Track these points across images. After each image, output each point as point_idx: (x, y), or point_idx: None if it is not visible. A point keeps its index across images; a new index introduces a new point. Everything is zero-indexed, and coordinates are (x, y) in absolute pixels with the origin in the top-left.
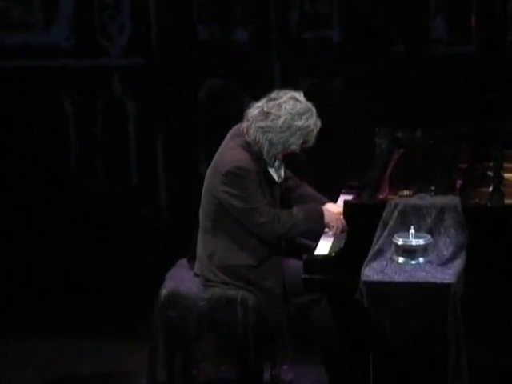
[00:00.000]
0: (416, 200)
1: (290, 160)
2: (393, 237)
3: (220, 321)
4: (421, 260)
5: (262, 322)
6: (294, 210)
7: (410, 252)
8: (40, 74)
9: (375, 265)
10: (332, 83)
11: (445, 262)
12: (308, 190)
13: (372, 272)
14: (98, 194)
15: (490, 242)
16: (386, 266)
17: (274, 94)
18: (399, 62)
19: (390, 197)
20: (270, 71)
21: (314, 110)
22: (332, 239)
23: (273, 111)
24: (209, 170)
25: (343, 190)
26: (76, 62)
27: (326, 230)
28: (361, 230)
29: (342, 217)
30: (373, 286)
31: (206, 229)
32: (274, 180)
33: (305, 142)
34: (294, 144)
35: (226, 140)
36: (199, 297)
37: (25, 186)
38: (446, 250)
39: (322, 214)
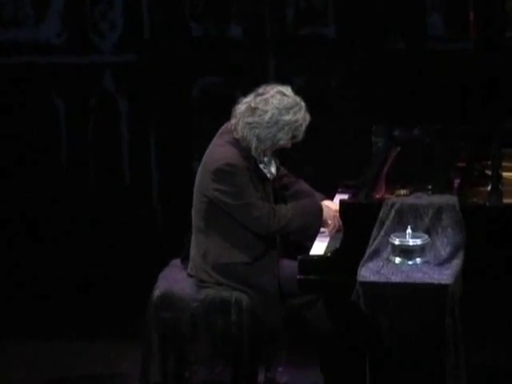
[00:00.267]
0: (413, 199)
1: (285, 159)
2: (389, 237)
3: (214, 322)
4: (418, 260)
5: (257, 323)
6: (290, 204)
7: (406, 252)
8: (31, 71)
9: (372, 265)
10: (328, 81)
11: (442, 263)
12: (304, 186)
13: (368, 272)
14: (89, 193)
15: (488, 241)
16: (383, 266)
17: (261, 89)
18: (396, 59)
19: (386, 196)
20: (265, 69)
21: (302, 104)
22: (327, 239)
23: (260, 106)
24: (199, 169)
25: (339, 189)
26: (67, 58)
27: (322, 229)
28: (357, 230)
29: (338, 215)
30: (369, 286)
31: (199, 228)
32: (266, 176)
33: (294, 137)
34: (283, 139)
35: (215, 137)
36: (193, 298)
37: (14, 185)
38: (444, 250)
39: (320, 209)
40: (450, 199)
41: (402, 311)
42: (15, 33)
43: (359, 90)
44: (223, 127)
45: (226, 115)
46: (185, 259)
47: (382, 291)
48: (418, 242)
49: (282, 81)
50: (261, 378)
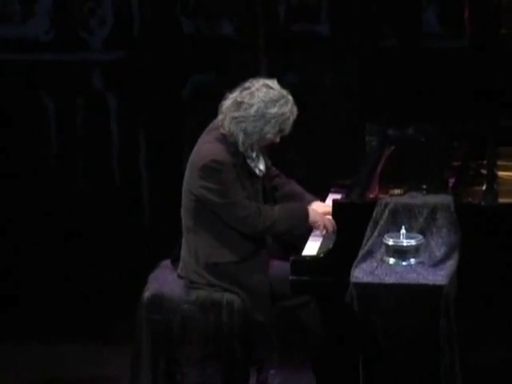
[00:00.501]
0: (407, 199)
1: (277, 159)
2: (383, 237)
3: (205, 324)
4: (412, 261)
5: (248, 325)
6: (278, 206)
7: (400, 253)
8: (18, 69)
9: (365, 266)
10: (321, 79)
11: (437, 263)
12: (295, 187)
13: (362, 273)
14: (78, 193)
15: (483, 242)
16: (377, 267)
17: (247, 84)
18: (390, 57)
19: (380, 196)
20: (257, 66)
21: (289, 97)
22: (320, 239)
23: (245, 100)
24: (187, 167)
25: (332, 189)
26: (55, 56)
27: (315, 231)
28: (350, 230)
29: (330, 216)
30: (363, 287)
31: (188, 228)
32: (254, 173)
33: (281, 131)
34: (270, 133)
35: (202, 135)
36: (183, 299)
37: (1, 184)
38: (439, 250)
39: (306, 213)
40: (445, 199)
41: (396, 312)
42: (2, 30)
43: (353, 88)
44: (210, 124)
45: (218, 113)
46: (175, 260)
47: (376, 292)
48: (413, 242)
49: (276, 80)
50: (252, 380)
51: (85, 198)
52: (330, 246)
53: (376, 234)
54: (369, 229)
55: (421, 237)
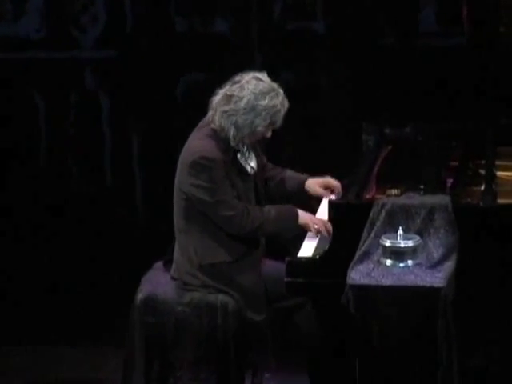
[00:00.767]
0: (404, 199)
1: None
2: (380, 238)
3: (199, 326)
4: (409, 262)
5: (243, 327)
6: (267, 207)
7: (398, 254)
8: (9, 67)
9: (362, 268)
10: (317, 77)
11: (435, 265)
12: (288, 173)
13: (358, 275)
14: (70, 193)
15: (481, 243)
16: (373, 268)
17: (237, 77)
18: (387, 55)
19: (377, 196)
20: (252, 64)
21: (280, 90)
22: (316, 240)
23: (235, 93)
24: (178, 165)
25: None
26: (47, 54)
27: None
28: (347, 231)
29: (323, 217)
30: (359, 289)
31: (180, 229)
32: (245, 170)
33: (272, 124)
34: (260, 125)
35: (193, 132)
36: (177, 301)
37: None
38: (436, 251)
39: (295, 215)
40: (443, 199)
41: (393, 315)
42: None
43: (349, 87)
44: (201, 121)
45: (208, 110)
46: (167, 262)
47: (373, 294)
48: (410, 243)
49: (269, 77)
50: (247, 383)
51: (77, 197)
52: (326, 247)
53: (373, 234)
54: (365, 230)
55: (418, 238)
